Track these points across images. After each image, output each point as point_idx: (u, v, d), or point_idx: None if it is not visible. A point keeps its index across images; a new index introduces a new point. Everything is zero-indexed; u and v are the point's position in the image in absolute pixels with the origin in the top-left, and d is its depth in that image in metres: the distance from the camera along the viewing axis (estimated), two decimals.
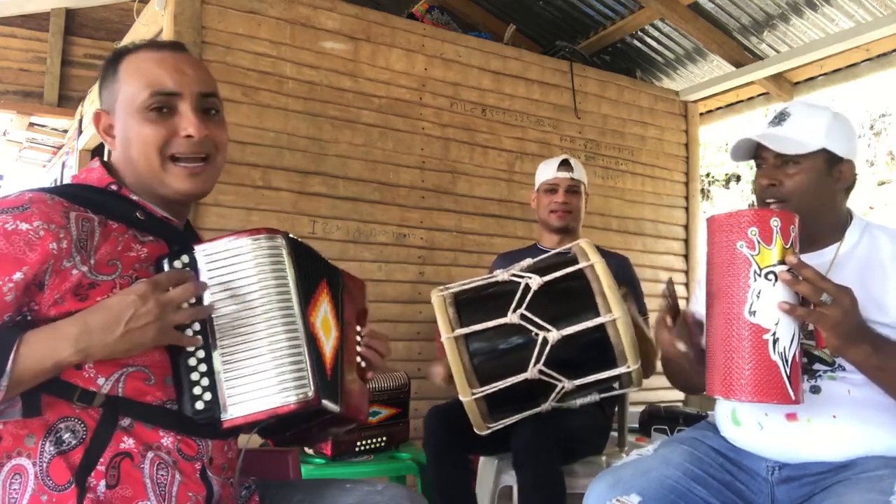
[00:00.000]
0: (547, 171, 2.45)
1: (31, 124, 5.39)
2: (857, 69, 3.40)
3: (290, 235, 1.12)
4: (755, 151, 1.49)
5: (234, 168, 2.63)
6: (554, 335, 1.55)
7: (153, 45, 1.16)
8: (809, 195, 1.41)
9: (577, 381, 1.60)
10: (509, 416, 1.67)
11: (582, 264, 1.63)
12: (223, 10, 2.66)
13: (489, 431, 1.65)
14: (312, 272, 1.14)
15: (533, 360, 1.56)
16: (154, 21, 2.76)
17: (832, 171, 1.43)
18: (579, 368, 1.60)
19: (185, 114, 1.10)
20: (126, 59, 1.13)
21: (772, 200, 1.44)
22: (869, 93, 7.74)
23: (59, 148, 5.84)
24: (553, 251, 1.88)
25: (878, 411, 1.32)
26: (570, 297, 1.63)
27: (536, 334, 1.57)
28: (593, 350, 1.60)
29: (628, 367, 1.58)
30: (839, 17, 3.13)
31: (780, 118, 1.48)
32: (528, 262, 1.75)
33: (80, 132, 4.41)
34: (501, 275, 1.71)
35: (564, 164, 2.43)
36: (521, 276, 1.64)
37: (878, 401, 1.32)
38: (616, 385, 1.69)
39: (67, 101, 4.91)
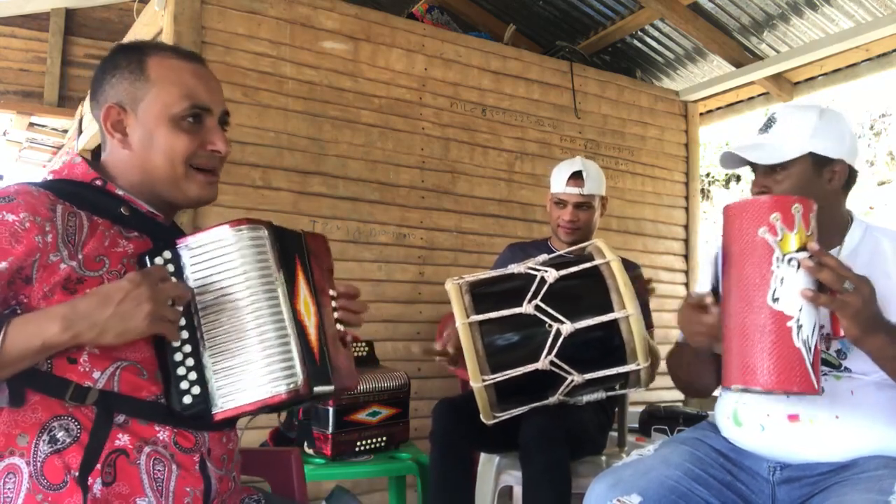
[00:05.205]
0: (558, 182, 2.33)
1: (31, 124, 5.38)
2: (857, 69, 3.40)
3: (272, 224, 1.12)
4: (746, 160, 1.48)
5: (234, 168, 2.63)
6: (567, 327, 1.57)
7: (180, 52, 1.17)
8: None
9: (587, 375, 1.61)
10: (517, 408, 1.69)
11: (598, 261, 1.65)
12: (223, 10, 2.66)
13: (495, 421, 1.67)
14: (290, 255, 1.14)
15: (545, 351, 1.58)
16: (154, 21, 2.76)
17: (822, 172, 1.41)
18: (590, 363, 1.62)
19: (213, 129, 1.15)
20: (154, 60, 1.13)
21: None
22: (869, 93, 7.74)
23: (59, 148, 5.83)
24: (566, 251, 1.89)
25: (881, 412, 1.32)
26: (584, 291, 1.65)
27: (550, 326, 1.58)
28: (605, 345, 1.61)
29: (638, 364, 1.59)
30: (839, 17, 3.13)
31: (767, 125, 1.46)
32: (543, 257, 1.76)
33: (80, 132, 4.41)
34: (517, 268, 1.73)
35: (575, 178, 2.29)
36: (537, 270, 1.67)
37: (880, 401, 1.32)
38: (624, 383, 1.70)
39: (67, 101, 4.90)
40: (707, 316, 1.29)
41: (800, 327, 1.16)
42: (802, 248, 1.18)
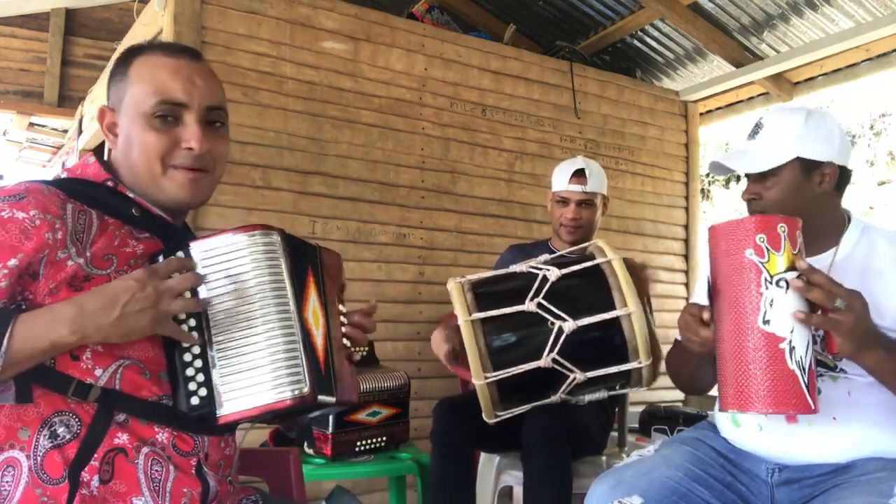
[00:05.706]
0: (560, 180, 2.33)
1: (31, 124, 5.38)
2: (857, 69, 3.40)
3: (285, 231, 1.11)
4: None
5: (234, 168, 2.63)
6: (569, 325, 1.57)
7: (169, 49, 1.15)
8: (788, 205, 1.38)
9: (588, 373, 1.61)
10: (519, 406, 1.69)
11: (600, 260, 1.66)
12: (223, 10, 2.66)
13: (497, 420, 1.67)
14: (302, 264, 1.14)
15: (547, 349, 1.59)
16: (154, 21, 2.75)
17: (811, 176, 1.40)
18: (592, 361, 1.62)
19: (189, 126, 1.10)
20: (138, 59, 1.13)
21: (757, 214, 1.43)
22: (869, 93, 7.74)
23: (59, 148, 5.83)
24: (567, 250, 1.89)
25: (878, 413, 1.32)
26: (587, 289, 1.66)
27: (552, 323, 1.59)
28: (607, 343, 1.62)
29: (640, 362, 1.59)
30: (839, 17, 3.13)
31: (755, 130, 1.46)
32: (545, 256, 1.77)
33: (80, 132, 4.41)
34: (519, 267, 1.73)
35: (578, 175, 2.29)
36: (540, 268, 1.67)
37: (878, 403, 1.32)
38: (626, 382, 1.70)
39: (67, 101, 4.90)
40: (703, 330, 1.29)
41: (792, 349, 1.16)
42: (791, 268, 1.17)
